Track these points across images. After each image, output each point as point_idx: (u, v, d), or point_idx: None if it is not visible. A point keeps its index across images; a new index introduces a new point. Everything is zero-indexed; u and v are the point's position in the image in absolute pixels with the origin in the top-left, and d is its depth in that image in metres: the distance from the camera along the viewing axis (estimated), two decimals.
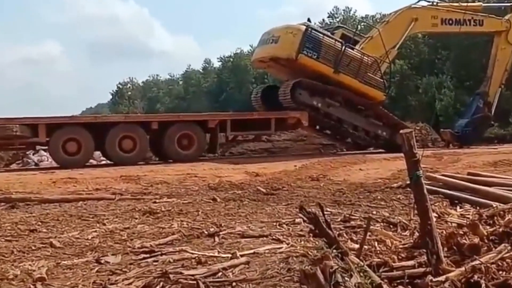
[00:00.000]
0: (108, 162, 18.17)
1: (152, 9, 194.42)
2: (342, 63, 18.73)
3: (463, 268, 3.85)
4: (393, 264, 4.17)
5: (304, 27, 18.64)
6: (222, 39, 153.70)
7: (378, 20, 39.70)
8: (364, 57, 19.09)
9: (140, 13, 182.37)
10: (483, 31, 22.67)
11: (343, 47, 18.72)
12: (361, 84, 19.12)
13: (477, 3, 24.49)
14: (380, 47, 19.31)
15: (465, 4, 23.31)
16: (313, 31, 18.84)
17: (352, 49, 19.14)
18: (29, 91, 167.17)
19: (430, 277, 3.81)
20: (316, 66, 18.55)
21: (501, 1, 24.35)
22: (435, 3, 21.93)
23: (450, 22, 20.74)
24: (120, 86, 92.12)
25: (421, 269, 4.03)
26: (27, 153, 21.82)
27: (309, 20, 19.97)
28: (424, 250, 4.16)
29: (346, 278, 3.51)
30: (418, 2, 20.65)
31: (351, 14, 58.43)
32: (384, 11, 48.68)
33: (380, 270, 4.04)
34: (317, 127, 21.06)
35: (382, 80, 19.67)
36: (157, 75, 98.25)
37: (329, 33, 19.79)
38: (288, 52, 18.50)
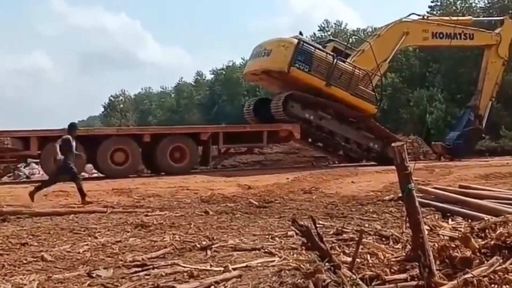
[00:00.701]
0: (100, 175, 18.09)
1: (143, 21, 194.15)
2: (333, 76, 18.81)
3: (455, 281, 3.85)
4: (386, 277, 4.16)
5: (296, 40, 18.73)
6: (212, 50, 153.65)
7: (369, 34, 39.94)
8: (356, 70, 19.18)
9: (132, 25, 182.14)
10: (474, 45, 22.90)
11: (335, 60, 18.82)
12: (353, 97, 19.20)
13: (467, 17, 24.77)
14: (371, 60, 19.43)
15: (456, 18, 23.59)
16: (305, 44, 18.93)
17: (344, 62, 19.25)
18: (18, 102, 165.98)
19: None
20: (308, 79, 18.62)
21: (491, 15, 24.60)
22: (425, 17, 22.16)
23: (441, 35, 20.91)
24: (112, 99, 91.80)
25: (414, 282, 4.02)
26: (18, 166, 21.69)
27: (300, 33, 20.08)
28: (417, 263, 4.16)
29: None
30: (409, 16, 20.86)
31: (342, 28, 58.81)
32: (372, 25, 49.18)
33: (373, 283, 4.03)
34: (309, 139, 21.09)
35: (373, 93, 19.77)
36: (149, 87, 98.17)
37: (320, 47, 19.91)
38: (280, 65, 18.57)
